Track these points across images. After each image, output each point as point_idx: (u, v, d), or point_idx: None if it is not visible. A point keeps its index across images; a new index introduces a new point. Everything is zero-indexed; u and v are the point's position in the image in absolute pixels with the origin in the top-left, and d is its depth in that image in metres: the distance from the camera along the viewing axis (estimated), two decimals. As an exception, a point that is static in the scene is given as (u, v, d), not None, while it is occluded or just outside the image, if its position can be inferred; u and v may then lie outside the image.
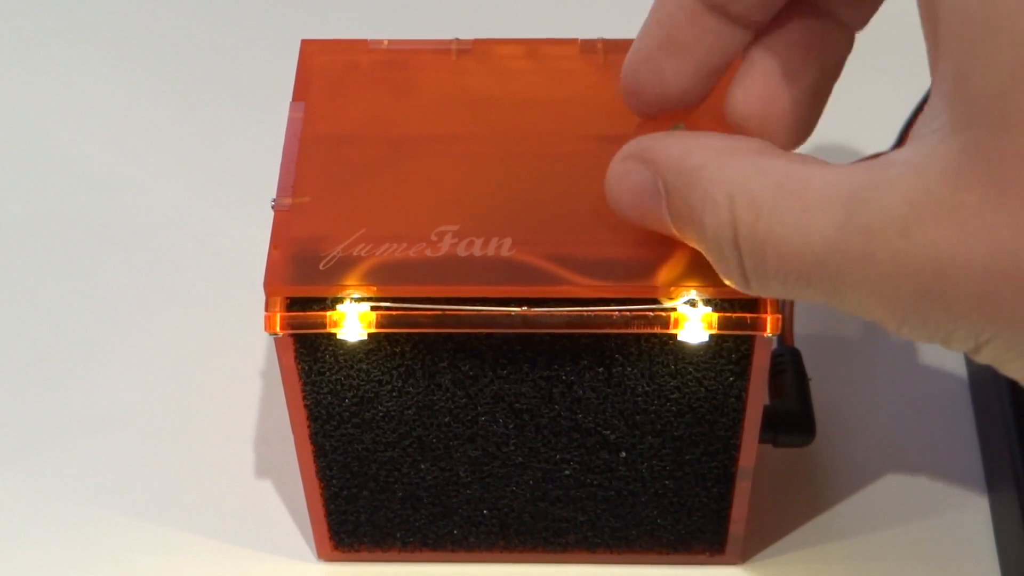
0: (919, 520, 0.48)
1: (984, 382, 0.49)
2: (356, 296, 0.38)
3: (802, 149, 0.57)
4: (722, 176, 0.33)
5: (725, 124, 0.38)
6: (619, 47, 0.43)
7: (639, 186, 0.36)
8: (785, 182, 0.32)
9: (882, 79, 0.58)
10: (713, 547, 0.46)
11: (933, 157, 0.29)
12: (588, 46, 0.44)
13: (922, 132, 0.30)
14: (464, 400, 0.41)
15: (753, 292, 0.34)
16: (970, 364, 0.51)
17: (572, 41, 0.44)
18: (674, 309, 0.38)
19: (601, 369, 0.40)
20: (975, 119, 0.28)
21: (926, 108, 0.30)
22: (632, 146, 0.36)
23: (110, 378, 0.52)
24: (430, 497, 0.44)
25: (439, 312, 0.38)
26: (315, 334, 0.39)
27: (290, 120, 0.42)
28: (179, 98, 0.61)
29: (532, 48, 0.44)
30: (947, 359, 0.52)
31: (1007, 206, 0.28)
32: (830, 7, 0.37)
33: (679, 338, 0.39)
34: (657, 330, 0.39)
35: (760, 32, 0.37)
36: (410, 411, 0.42)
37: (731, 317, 0.38)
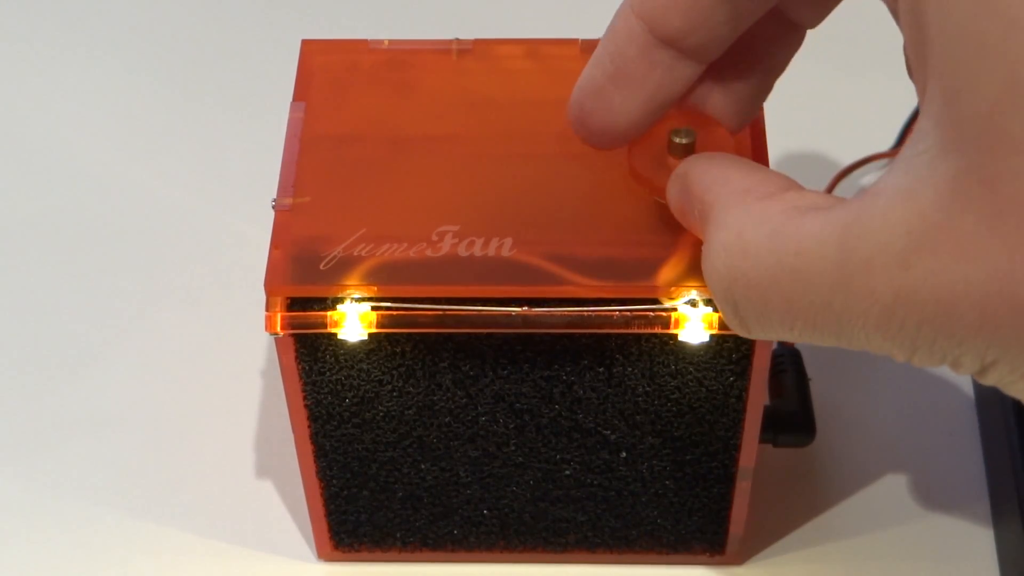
0: (919, 520, 0.48)
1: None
2: (357, 296, 0.38)
3: (806, 150, 0.58)
4: (724, 222, 0.33)
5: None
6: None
7: (684, 206, 0.36)
8: (781, 227, 0.32)
9: (882, 79, 0.58)
10: (713, 547, 0.46)
11: (924, 181, 0.29)
12: (588, 46, 0.44)
13: (909, 154, 0.29)
14: (464, 400, 0.41)
15: (755, 337, 0.34)
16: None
17: (572, 41, 0.44)
18: (675, 309, 0.38)
19: (601, 369, 0.40)
20: (965, 140, 0.28)
21: (914, 129, 0.30)
22: (680, 167, 0.37)
23: (110, 378, 0.52)
24: (430, 497, 0.44)
25: (440, 312, 0.38)
26: (315, 334, 0.39)
27: (290, 120, 0.42)
28: (180, 98, 0.61)
29: (532, 48, 0.44)
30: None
31: (1002, 229, 0.27)
32: (784, 7, 0.37)
33: (680, 338, 0.39)
34: (658, 330, 0.39)
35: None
36: (410, 411, 0.42)
37: (731, 317, 0.38)
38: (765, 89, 0.39)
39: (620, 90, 0.37)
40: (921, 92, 0.29)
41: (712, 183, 0.35)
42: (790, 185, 0.34)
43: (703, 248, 0.34)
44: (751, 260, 0.32)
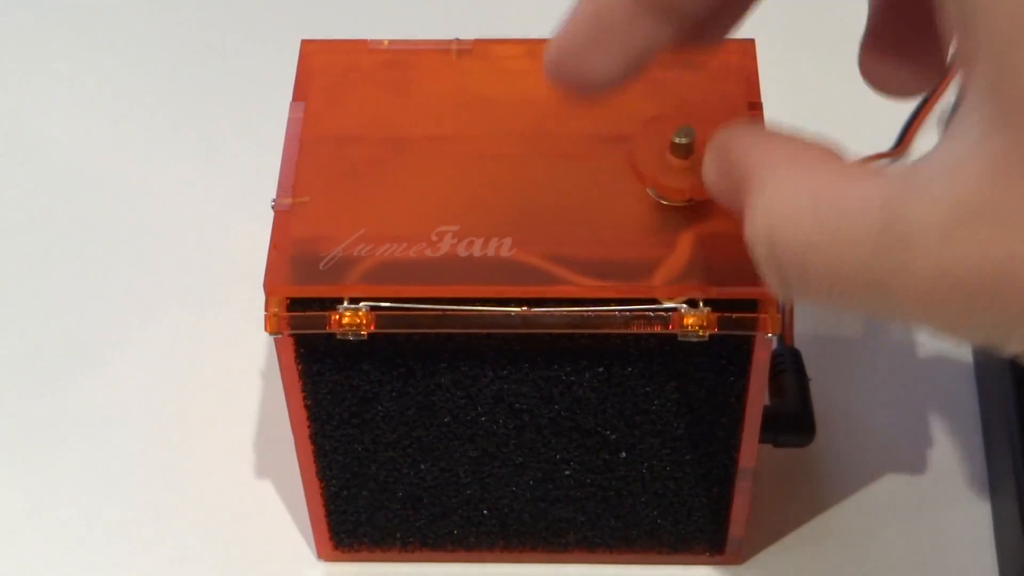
0: (919, 519, 0.48)
1: (990, 381, 0.49)
2: (356, 296, 0.38)
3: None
4: (766, 184, 0.33)
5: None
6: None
7: (719, 176, 0.36)
8: (824, 190, 0.31)
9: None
10: (713, 547, 0.46)
11: (971, 156, 0.28)
12: (588, 46, 0.44)
13: (954, 131, 0.29)
14: (464, 400, 0.41)
15: (797, 299, 0.34)
16: (977, 364, 0.51)
17: (572, 41, 0.44)
18: (674, 309, 0.38)
19: (601, 369, 0.40)
20: (1012, 120, 0.28)
21: (959, 107, 0.30)
22: (717, 137, 0.36)
23: (111, 377, 0.52)
24: (430, 497, 0.44)
25: (439, 312, 0.38)
26: (315, 334, 0.39)
27: (290, 120, 0.42)
28: (180, 98, 0.61)
29: (532, 48, 0.44)
30: (950, 358, 0.52)
31: None
32: None
33: (679, 338, 0.39)
34: (657, 330, 0.39)
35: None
36: (410, 411, 0.42)
37: (731, 317, 0.38)
38: (732, 24, 0.37)
39: (597, 48, 0.35)
40: (966, 70, 0.29)
41: (752, 148, 0.34)
42: (834, 153, 0.33)
43: (745, 212, 0.34)
44: (792, 222, 0.32)
